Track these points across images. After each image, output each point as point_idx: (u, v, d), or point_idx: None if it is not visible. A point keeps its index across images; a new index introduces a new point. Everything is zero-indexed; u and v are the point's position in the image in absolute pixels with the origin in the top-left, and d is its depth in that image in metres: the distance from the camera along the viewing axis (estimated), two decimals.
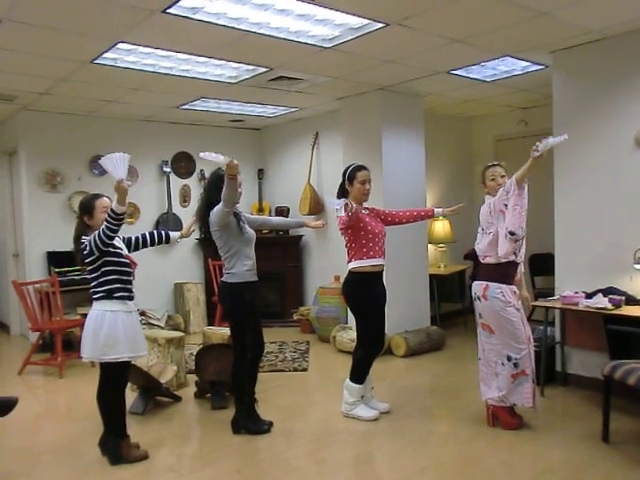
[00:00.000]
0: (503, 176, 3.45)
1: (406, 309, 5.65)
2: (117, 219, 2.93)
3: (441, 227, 6.58)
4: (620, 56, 3.92)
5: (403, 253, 5.33)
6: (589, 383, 4.11)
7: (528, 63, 4.58)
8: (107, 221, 2.93)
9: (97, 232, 3.00)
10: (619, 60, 3.93)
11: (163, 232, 3.57)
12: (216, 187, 3.36)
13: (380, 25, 3.53)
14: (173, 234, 3.60)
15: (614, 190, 4.00)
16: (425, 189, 5.93)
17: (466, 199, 7.19)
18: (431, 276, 6.08)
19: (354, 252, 3.69)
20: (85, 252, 3.05)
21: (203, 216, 3.45)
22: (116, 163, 2.93)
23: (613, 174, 4.00)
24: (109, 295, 3.07)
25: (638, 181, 3.88)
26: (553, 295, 4.30)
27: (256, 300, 3.54)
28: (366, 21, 3.51)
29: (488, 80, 5.10)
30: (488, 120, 7.01)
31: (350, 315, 5.82)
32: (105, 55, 4.04)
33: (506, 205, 3.27)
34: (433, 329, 5.72)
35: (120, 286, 3.09)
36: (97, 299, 3.10)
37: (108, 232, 2.95)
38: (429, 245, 6.23)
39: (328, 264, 6.57)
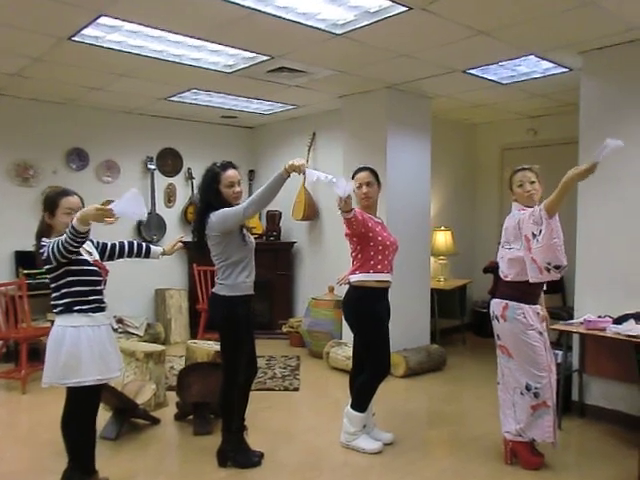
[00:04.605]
0: (533, 182, 3.06)
1: (405, 326, 5.25)
2: (76, 239, 2.43)
3: (443, 238, 6.23)
4: None
5: (404, 266, 4.94)
6: (611, 416, 3.76)
7: (552, 64, 4.22)
8: (67, 235, 2.44)
9: (56, 241, 2.51)
10: None
11: (144, 244, 3.16)
12: (211, 188, 2.97)
13: (402, 9, 3.14)
14: (155, 249, 3.18)
15: None
16: (430, 197, 5.57)
17: (469, 209, 6.97)
18: (430, 290, 5.70)
19: (359, 264, 3.30)
20: (43, 258, 2.59)
21: (201, 219, 2.99)
22: (128, 203, 2.43)
23: None
24: (68, 308, 2.62)
25: None
26: (563, 316, 3.97)
27: (252, 316, 3.11)
28: (386, 3, 3.11)
29: (504, 82, 4.75)
30: (494, 128, 6.67)
31: (345, 330, 5.46)
32: (84, 32, 3.58)
33: (534, 234, 2.86)
34: (433, 348, 5.33)
35: (81, 299, 2.63)
36: (58, 313, 2.66)
37: (68, 247, 2.47)
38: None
39: (322, 273, 6.15)
